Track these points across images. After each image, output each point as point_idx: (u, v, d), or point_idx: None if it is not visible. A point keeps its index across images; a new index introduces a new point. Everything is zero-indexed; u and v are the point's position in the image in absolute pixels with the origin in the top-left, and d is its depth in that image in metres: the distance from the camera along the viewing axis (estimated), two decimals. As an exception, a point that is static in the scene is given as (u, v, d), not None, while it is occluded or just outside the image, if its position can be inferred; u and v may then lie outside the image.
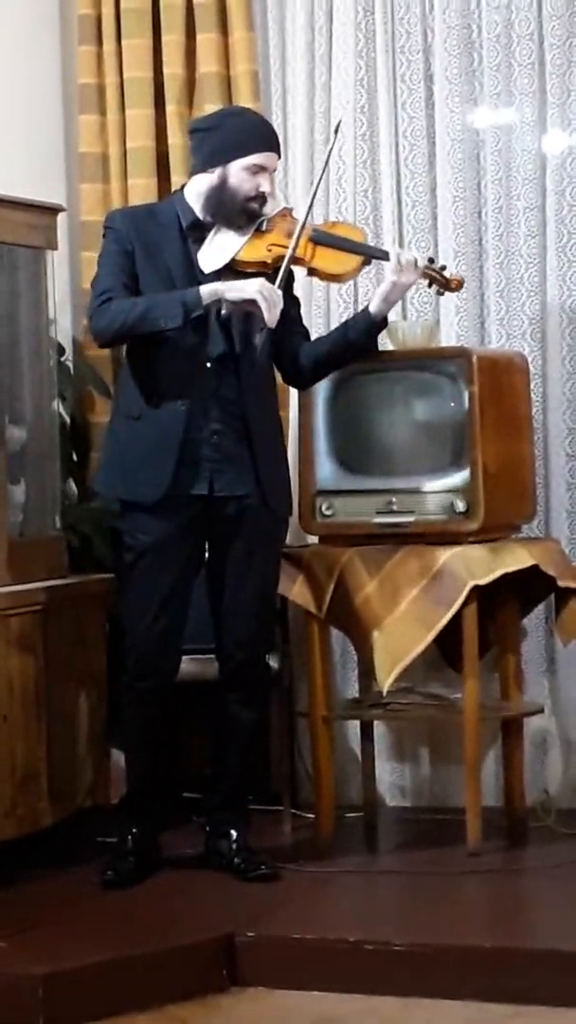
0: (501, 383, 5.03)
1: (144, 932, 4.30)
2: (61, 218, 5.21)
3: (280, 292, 4.53)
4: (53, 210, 5.14)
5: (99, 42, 5.70)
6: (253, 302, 4.50)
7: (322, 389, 5.02)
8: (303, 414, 5.09)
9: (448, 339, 5.38)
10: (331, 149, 4.76)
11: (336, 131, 4.78)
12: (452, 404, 4.92)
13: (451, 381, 4.92)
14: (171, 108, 5.61)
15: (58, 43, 5.79)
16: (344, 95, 5.53)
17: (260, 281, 4.52)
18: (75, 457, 5.58)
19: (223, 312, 4.57)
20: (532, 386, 5.26)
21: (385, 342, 5.16)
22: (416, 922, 4.36)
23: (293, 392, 5.21)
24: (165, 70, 5.62)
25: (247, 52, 5.54)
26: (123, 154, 5.67)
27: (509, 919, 4.44)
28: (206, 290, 4.52)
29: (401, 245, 5.44)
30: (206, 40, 5.56)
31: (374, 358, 4.98)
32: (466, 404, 4.88)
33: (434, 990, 4.04)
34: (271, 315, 4.50)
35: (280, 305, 4.52)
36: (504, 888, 4.65)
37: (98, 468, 4.82)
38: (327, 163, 4.73)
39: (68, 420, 5.53)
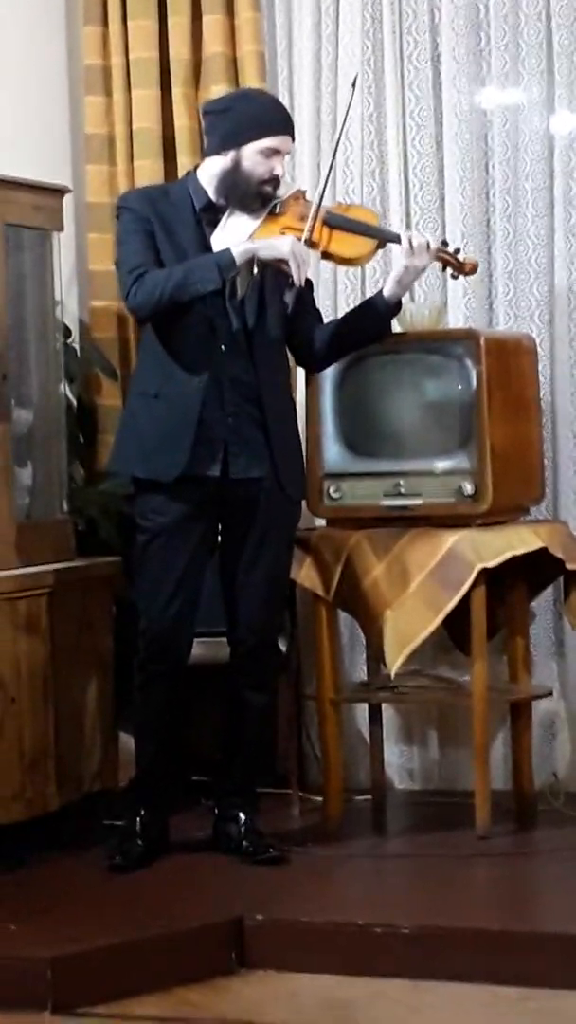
0: (509, 365, 5.01)
1: (152, 915, 4.29)
2: (67, 199, 5.19)
3: (308, 252, 4.51)
4: (59, 191, 5.13)
5: (105, 23, 5.68)
6: (284, 260, 4.49)
7: (329, 372, 5.01)
8: (310, 397, 5.08)
9: (456, 321, 5.37)
10: (350, 103, 4.70)
11: (353, 85, 4.72)
12: (460, 386, 4.91)
13: (459, 363, 4.91)
14: (177, 89, 5.59)
15: (64, 23, 5.77)
16: (351, 75, 5.49)
17: (291, 239, 4.51)
18: (82, 439, 5.57)
19: (255, 271, 4.55)
20: (540, 368, 5.25)
21: (393, 324, 5.14)
22: (425, 905, 4.35)
23: (300, 374, 5.20)
24: (171, 51, 5.60)
25: (253, 33, 5.52)
26: (129, 135, 5.65)
27: (518, 902, 4.44)
28: (238, 250, 4.50)
29: (409, 226, 5.43)
30: (212, 21, 5.54)
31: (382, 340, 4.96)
32: (474, 386, 4.87)
33: (443, 973, 4.04)
34: (299, 273, 4.49)
35: (309, 264, 4.52)
36: (513, 871, 4.65)
37: (113, 447, 4.80)
38: (346, 118, 4.69)
39: (75, 402, 5.52)
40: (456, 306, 5.40)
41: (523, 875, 4.64)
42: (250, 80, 5.48)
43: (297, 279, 4.50)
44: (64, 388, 5.24)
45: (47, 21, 5.72)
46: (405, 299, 5.16)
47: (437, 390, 4.97)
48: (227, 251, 4.51)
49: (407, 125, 5.50)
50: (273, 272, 4.58)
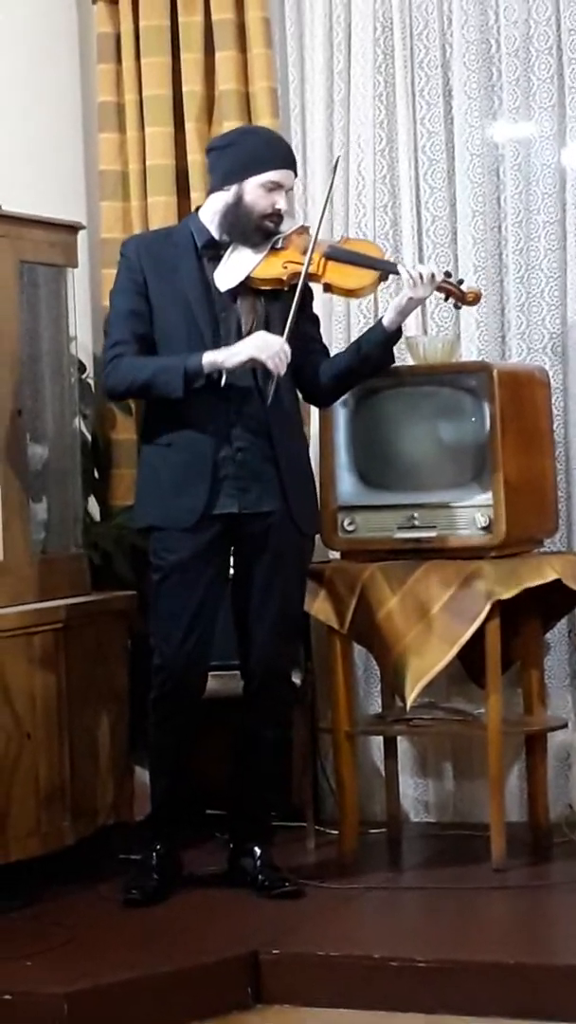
0: (522, 398, 5.02)
1: (168, 950, 4.29)
2: (81, 236, 5.22)
3: (281, 339, 4.52)
4: (73, 228, 5.15)
5: (118, 60, 5.71)
6: (253, 361, 4.52)
7: (343, 404, 5.02)
8: (324, 430, 5.09)
9: (468, 354, 5.38)
10: (331, 185, 4.74)
11: (335, 168, 4.78)
12: (473, 419, 4.91)
13: (472, 396, 4.92)
14: (190, 125, 5.62)
15: (77, 61, 5.81)
16: (363, 110, 5.53)
17: (254, 339, 4.53)
18: (96, 474, 5.59)
19: (259, 310, 4.60)
20: (553, 400, 5.25)
21: (405, 357, 5.16)
22: (440, 938, 4.34)
23: (314, 407, 5.21)
24: (184, 87, 5.63)
25: (266, 69, 5.55)
26: (143, 172, 5.68)
27: (534, 935, 4.43)
28: (206, 360, 4.54)
29: (421, 260, 5.45)
30: (225, 57, 5.57)
31: (394, 373, 4.98)
32: (487, 419, 4.88)
33: (459, 1007, 4.03)
34: (274, 363, 4.51)
35: (283, 350, 4.52)
36: (529, 904, 4.64)
37: (136, 501, 4.80)
38: (328, 196, 4.72)
39: (89, 437, 5.54)
40: (469, 339, 5.41)
41: (539, 908, 4.62)
42: (263, 116, 5.51)
43: (273, 369, 4.51)
44: (79, 423, 5.26)
45: (61, 59, 5.75)
46: (418, 332, 5.20)
47: (451, 423, 4.97)
48: (197, 360, 4.53)
49: (419, 159, 5.53)
50: (277, 311, 4.59)
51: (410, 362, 5.14)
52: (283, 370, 4.53)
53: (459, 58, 5.43)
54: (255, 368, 4.57)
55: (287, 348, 4.53)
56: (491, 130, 5.45)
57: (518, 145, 5.41)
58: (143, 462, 4.75)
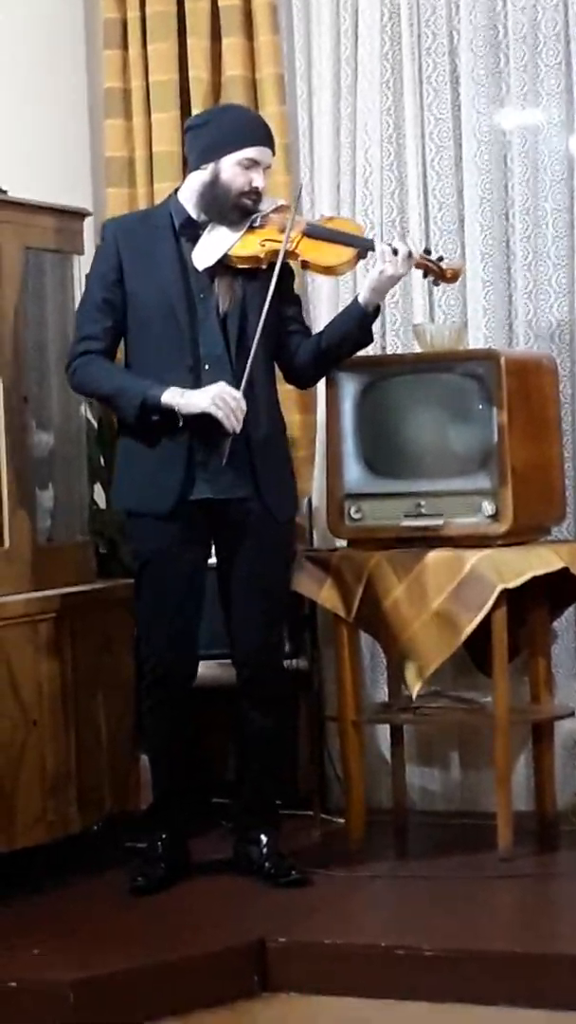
0: (529, 385, 5.01)
1: (174, 938, 4.29)
2: (87, 222, 5.21)
3: (240, 395, 4.49)
4: (79, 214, 5.14)
5: (125, 46, 5.70)
6: (209, 413, 4.49)
7: (349, 391, 5.01)
8: (330, 417, 5.08)
9: (476, 341, 5.36)
10: (293, 214, 4.66)
11: (298, 197, 4.76)
12: (480, 407, 4.90)
13: (479, 384, 4.90)
14: (196, 112, 5.60)
15: (83, 47, 5.80)
16: (370, 97, 5.52)
17: (214, 391, 4.50)
18: (102, 462, 5.57)
19: (236, 289, 4.60)
20: (560, 388, 5.24)
21: (413, 345, 5.15)
22: (447, 927, 4.34)
23: (320, 396, 5.20)
24: (191, 74, 5.62)
25: (272, 55, 5.53)
26: (149, 158, 5.67)
27: (541, 924, 4.42)
28: (165, 398, 4.51)
29: (429, 248, 5.41)
30: (232, 44, 5.56)
31: (401, 360, 4.96)
32: (494, 407, 4.86)
33: (465, 995, 4.02)
34: (230, 422, 4.49)
35: (240, 407, 4.49)
36: (535, 892, 4.63)
37: (114, 482, 4.80)
38: (291, 223, 4.64)
39: (95, 425, 5.53)
40: (476, 326, 5.40)
41: (546, 896, 4.62)
42: (269, 102, 5.50)
43: (228, 427, 4.48)
44: (84, 411, 5.25)
45: (67, 45, 5.74)
46: (425, 319, 5.17)
47: (457, 410, 4.96)
48: (157, 395, 4.50)
49: (426, 146, 5.51)
50: (255, 290, 4.58)
51: (417, 349, 5.12)
52: (238, 428, 4.49)
53: (466, 44, 5.41)
54: (236, 324, 4.56)
55: (243, 404, 4.50)
56: (499, 117, 5.43)
57: (526, 132, 5.39)
58: (120, 448, 4.73)
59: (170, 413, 4.52)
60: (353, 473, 5.06)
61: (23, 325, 4.86)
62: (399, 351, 5.43)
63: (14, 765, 4.64)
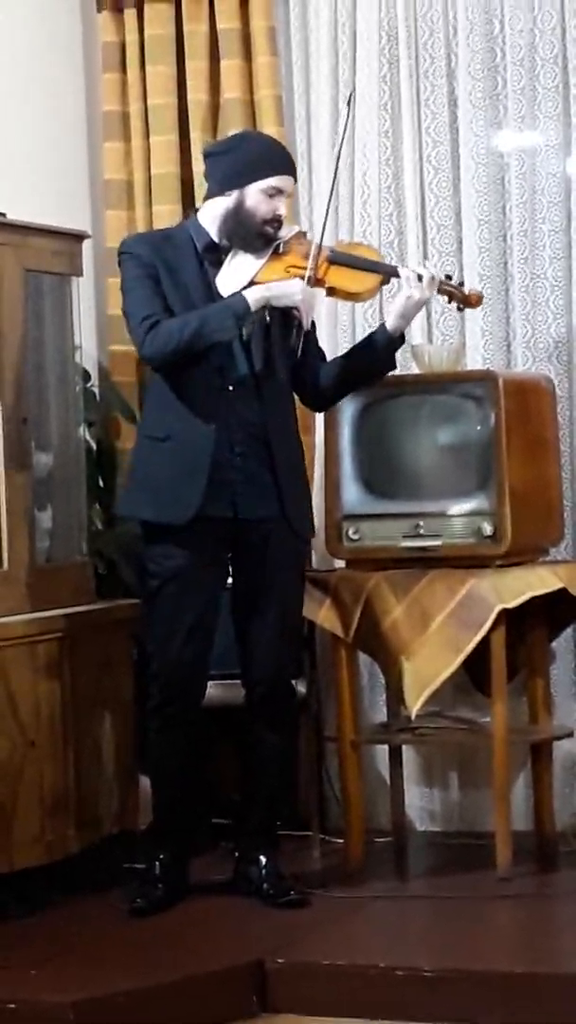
0: (527, 406, 5.02)
1: (173, 958, 4.28)
2: (86, 245, 5.22)
3: (316, 295, 4.54)
4: (78, 237, 5.16)
5: (123, 69, 5.72)
6: (296, 307, 4.55)
7: (348, 413, 5.02)
8: (329, 438, 5.09)
9: (474, 362, 5.38)
10: (347, 122, 4.70)
11: (349, 102, 4.76)
12: (478, 427, 4.91)
13: (477, 404, 4.92)
14: (195, 134, 5.63)
15: (82, 70, 5.82)
16: (368, 119, 5.53)
17: (302, 284, 4.54)
18: (101, 483, 5.59)
19: (265, 314, 4.59)
20: (559, 409, 5.25)
21: (411, 366, 5.16)
22: (446, 947, 4.33)
23: (319, 416, 5.21)
24: (189, 96, 5.64)
25: (270, 77, 5.55)
26: (148, 181, 5.69)
27: (540, 944, 4.42)
28: (252, 296, 4.53)
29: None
30: (229, 65, 5.58)
31: (399, 382, 4.97)
32: (492, 427, 4.88)
33: (464, 1015, 4.02)
34: (307, 317, 4.54)
35: (316, 306, 4.54)
36: (535, 913, 4.63)
37: (123, 491, 4.80)
38: (343, 139, 4.70)
39: (94, 446, 5.54)
40: (474, 347, 5.41)
41: (545, 916, 4.62)
42: (268, 124, 5.52)
43: (305, 323, 4.53)
44: (83, 431, 5.26)
45: (66, 69, 5.76)
46: (423, 340, 5.19)
47: (456, 431, 4.97)
48: (241, 298, 4.53)
49: (424, 169, 5.53)
50: (280, 315, 4.61)
51: (415, 370, 5.13)
52: (310, 326, 4.56)
53: (464, 67, 5.43)
54: (284, 313, 4.58)
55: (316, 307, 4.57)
56: (496, 139, 5.45)
57: (523, 154, 5.41)
58: (138, 452, 4.73)
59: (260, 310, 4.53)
60: (352, 494, 5.07)
61: (22, 347, 4.87)
62: (397, 372, 5.43)
63: (12, 785, 4.64)
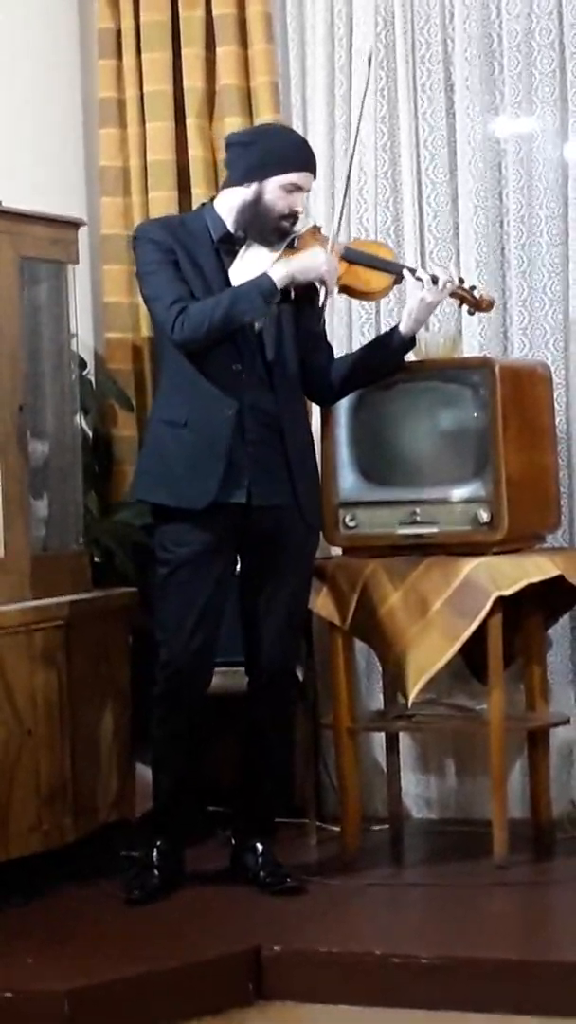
0: (524, 393, 5.01)
1: (169, 947, 4.29)
2: (82, 232, 5.21)
3: (336, 260, 4.58)
4: (74, 224, 5.14)
5: (119, 56, 5.70)
6: (322, 279, 4.58)
7: (344, 400, 5.01)
8: (326, 425, 5.08)
9: (471, 349, 5.37)
10: (367, 84, 4.71)
11: (369, 63, 4.75)
12: (475, 414, 4.91)
13: (474, 391, 4.91)
14: (191, 121, 5.61)
15: (78, 57, 5.80)
16: (364, 104, 5.51)
17: (324, 255, 4.57)
18: (97, 471, 5.58)
19: (291, 294, 4.62)
20: (555, 396, 5.24)
21: (408, 353, 5.15)
22: (443, 935, 4.34)
23: (315, 404, 5.20)
24: (185, 83, 5.62)
25: (266, 64, 5.53)
26: (143, 167, 5.67)
27: (536, 931, 4.42)
28: (278, 275, 4.54)
29: (423, 255, 5.45)
30: (226, 52, 5.56)
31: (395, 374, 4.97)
32: (489, 414, 4.87)
33: (461, 1003, 4.02)
34: (332, 283, 4.58)
35: (338, 271, 4.59)
36: (531, 900, 4.63)
37: (136, 475, 4.79)
38: (363, 101, 4.71)
39: (90, 434, 5.53)
40: (471, 335, 5.40)
41: (542, 904, 4.62)
42: (264, 111, 5.50)
43: (331, 289, 4.58)
44: (80, 419, 5.25)
45: (61, 55, 5.75)
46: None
47: (452, 418, 4.97)
48: (266, 277, 4.54)
49: (421, 154, 5.52)
50: (291, 303, 4.60)
51: (412, 358, 5.13)
52: (334, 291, 4.62)
53: (461, 53, 5.42)
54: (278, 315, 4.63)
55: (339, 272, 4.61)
56: (493, 125, 5.44)
57: (520, 140, 5.39)
58: (153, 438, 4.71)
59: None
60: (348, 481, 5.06)
61: (18, 335, 4.86)
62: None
63: (8, 774, 4.64)
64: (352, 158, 4.79)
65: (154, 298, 4.62)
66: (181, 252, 4.62)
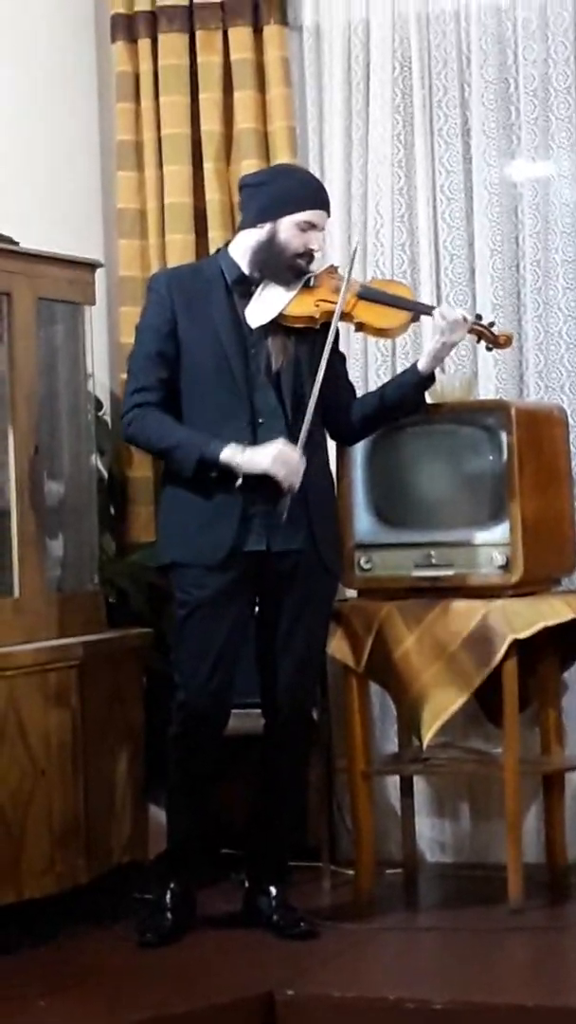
0: (540, 436, 5.01)
1: (183, 990, 4.26)
2: (99, 274, 5.23)
3: (300, 454, 4.51)
4: (91, 266, 5.16)
5: (137, 99, 5.73)
6: (270, 474, 4.50)
7: (360, 442, 5.01)
8: (342, 467, 5.08)
9: (486, 392, 5.38)
10: (351, 263, 4.68)
11: (352, 258, 4.73)
12: (491, 457, 4.91)
13: (490, 434, 4.91)
14: (208, 164, 5.63)
15: (96, 100, 5.84)
16: (381, 150, 5.55)
17: (274, 451, 4.51)
18: (113, 511, 5.58)
19: (289, 348, 4.62)
20: (571, 438, 5.24)
21: (427, 390, 5.15)
22: (457, 980, 4.31)
23: (331, 445, 5.20)
24: (203, 126, 5.65)
25: (284, 108, 5.56)
26: (161, 210, 5.69)
27: (551, 977, 4.39)
28: (225, 455, 4.51)
29: (439, 299, 5.45)
30: (243, 97, 5.59)
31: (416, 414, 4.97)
32: (505, 457, 4.87)
33: (475, 1049, 4.00)
34: (289, 483, 4.50)
35: (299, 468, 4.50)
36: (546, 945, 4.61)
37: (159, 537, 4.77)
38: (348, 275, 4.65)
39: (106, 474, 5.54)
40: (487, 377, 5.41)
41: (557, 949, 4.59)
42: (281, 155, 5.53)
43: (287, 487, 4.50)
44: (95, 460, 5.26)
45: (80, 98, 5.78)
46: (436, 370, 5.18)
47: (468, 461, 4.97)
48: (214, 450, 4.50)
49: (437, 198, 5.54)
50: (307, 349, 4.61)
51: (428, 400, 5.13)
52: (296, 488, 4.50)
53: (478, 97, 5.44)
54: (290, 377, 4.60)
55: (303, 464, 4.51)
56: (509, 169, 5.46)
57: (536, 184, 5.42)
58: (167, 499, 4.72)
59: (228, 470, 4.51)
60: (364, 523, 5.06)
61: (35, 375, 4.87)
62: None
63: (22, 815, 4.63)
64: (353, 257, 4.76)
65: (129, 370, 4.70)
66: (184, 303, 4.63)
